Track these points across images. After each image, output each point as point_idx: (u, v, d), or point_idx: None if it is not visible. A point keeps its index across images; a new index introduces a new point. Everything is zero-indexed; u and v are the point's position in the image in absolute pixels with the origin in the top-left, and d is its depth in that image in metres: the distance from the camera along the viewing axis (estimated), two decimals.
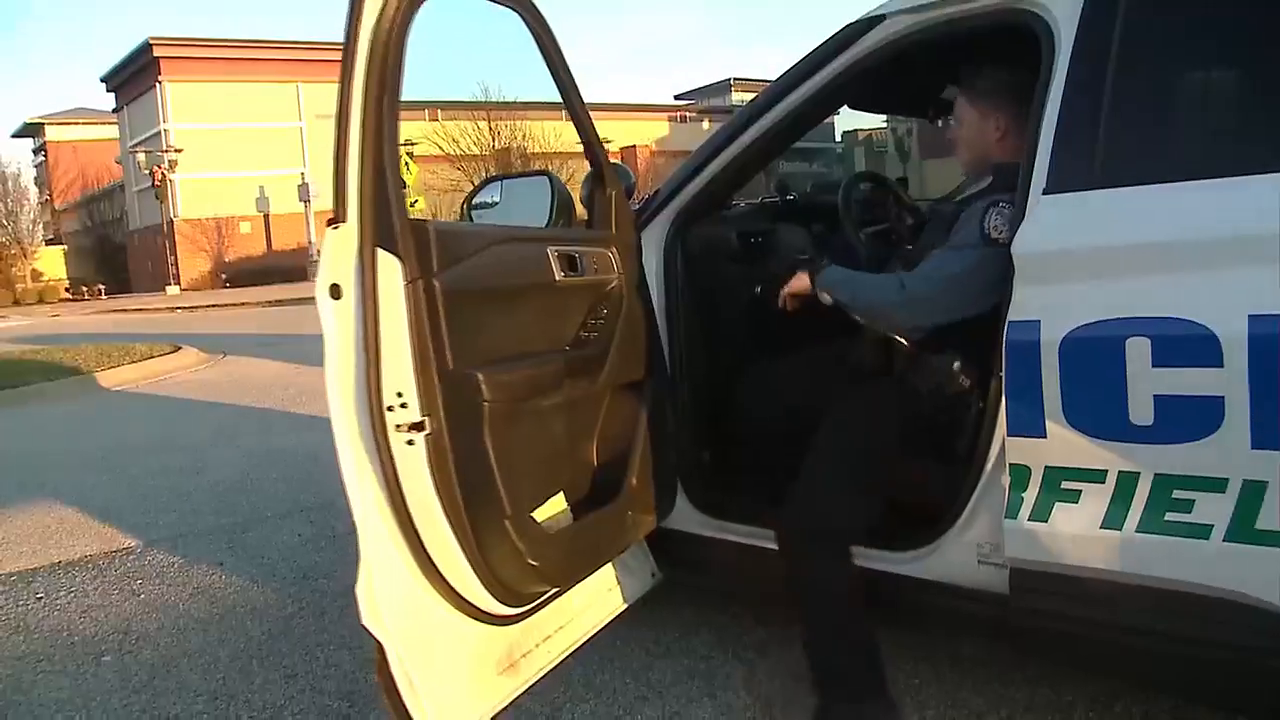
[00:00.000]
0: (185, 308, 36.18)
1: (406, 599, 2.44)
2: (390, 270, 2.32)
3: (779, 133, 3.24)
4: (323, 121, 59.97)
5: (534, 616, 2.77)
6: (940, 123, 4.31)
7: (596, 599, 3.15)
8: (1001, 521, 2.60)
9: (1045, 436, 2.48)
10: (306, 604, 4.33)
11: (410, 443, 2.33)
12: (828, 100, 3.21)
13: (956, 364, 2.79)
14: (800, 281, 3.03)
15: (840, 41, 3.01)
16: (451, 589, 2.48)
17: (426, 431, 2.33)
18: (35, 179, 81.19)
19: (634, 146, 62.19)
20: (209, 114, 59.57)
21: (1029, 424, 2.50)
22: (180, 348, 15.75)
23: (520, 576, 2.60)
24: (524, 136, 48.60)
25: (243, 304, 34.15)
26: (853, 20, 3.00)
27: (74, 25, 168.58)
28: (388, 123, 2.33)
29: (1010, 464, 2.57)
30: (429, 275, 2.39)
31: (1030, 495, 2.55)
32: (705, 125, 76.57)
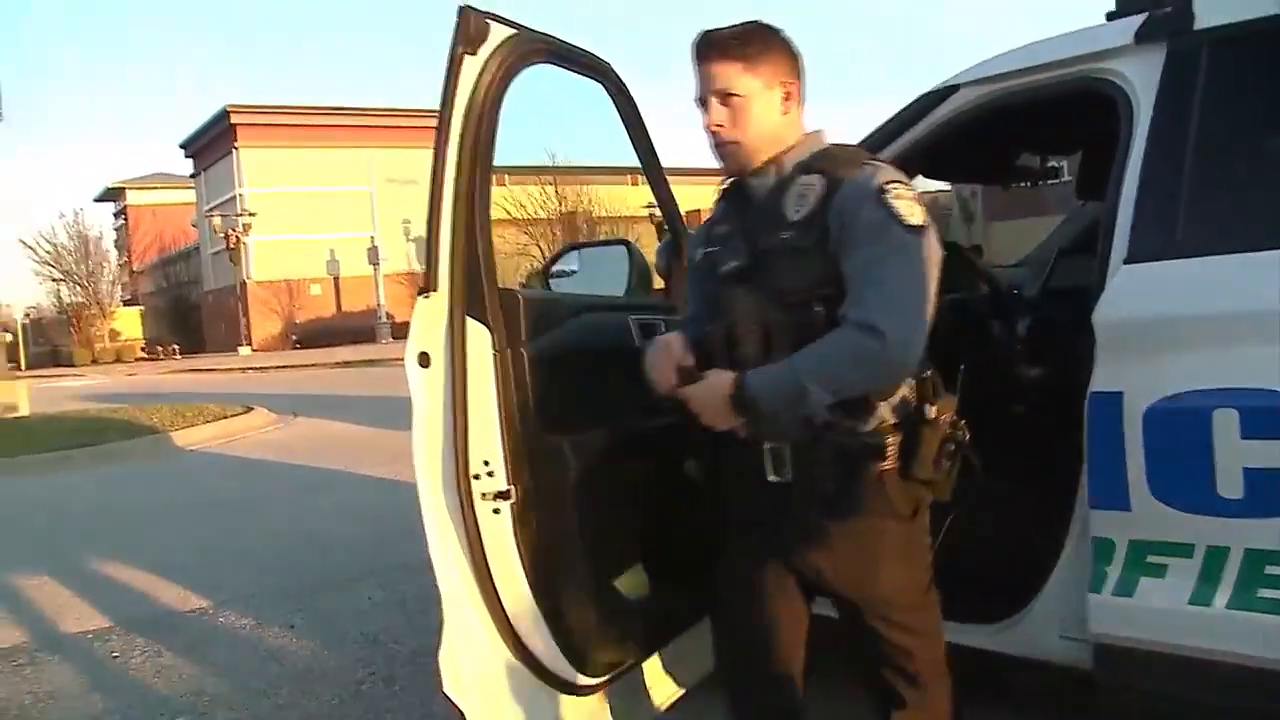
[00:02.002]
0: (256, 368, 36.74)
1: (488, 667, 2.43)
2: (480, 339, 2.35)
3: None
4: (393, 186, 61.23)
5: (612, 687, 2.75)
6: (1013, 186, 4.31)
7: (673, 670, 3.12)
8: (1085, 596, 2.54)
9: (1130, 510, 2.43)
10: (376, 669, 4.33)
11: (496, 511, 2.34)
12: (902, 170, 3.20)
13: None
14: (715, 393, 2.19)
15: (915, 112, 3.02)
16: (533, 657, 2.48)
17: (512, 500, 2.34)
18: (115, 241, 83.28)
19: (698, 210, 62.46)
20: (282, 178, 60.97)
21: (1112, 497, 2.45)
22: (252, 408, 15.99)
23: (600, 646, 2.59)
24: (589, 201, 49.02)
25: (313, 365, 34.61)
26: (926, 91, 3.01)
27: (156, 93, 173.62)
28: (480, 193, 2.37)
29: (1094, 537, 2.52)
30: (517, 344, 2.41)
31: (1115, 569, 2.50)
32: None
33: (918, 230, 2.07)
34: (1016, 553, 2.84)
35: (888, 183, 2.10)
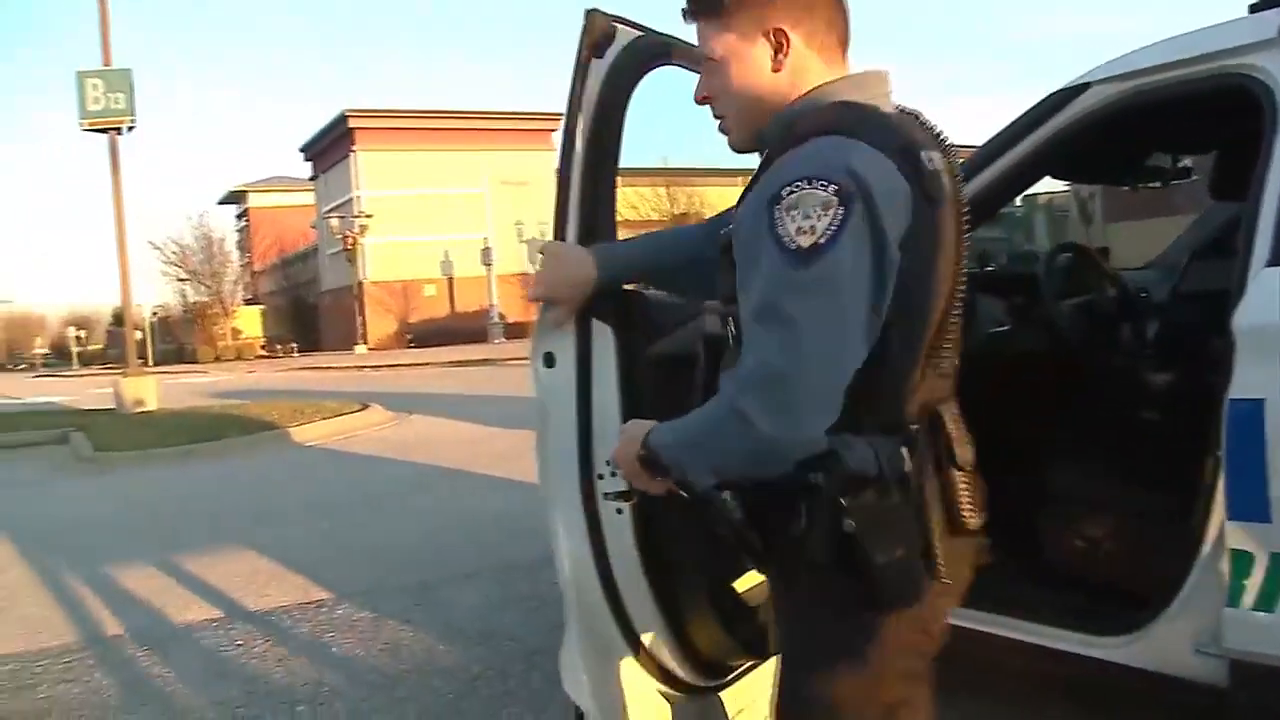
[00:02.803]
0: (372, 366, 37.45)
1: (608, 667, 2.44)
2: (604, 339, 2.35)
3: (978, 205, 3.19)
4: (505, 187, 61.90)
5: (730, 689, 2.74)
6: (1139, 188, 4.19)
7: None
8: (1221, 610, 2.46)
9: (1271, 522, 2.35)
10: (491, 665, 4.38)
11: (619, 511, 2.34)
12: (1029, 172, 3.14)
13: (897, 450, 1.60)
14: (628, 448, 1.76)
15: (1043, 111, 2.94)
16: (652, 658, 2.48)
17: (634, 500, 2.34)
18: (237, 242, 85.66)
19: None
20: (398, 181, 62.09)
21: (1253, 508, 2.37)
22: (368, 406, 16.31)
23: (719, 648, 2.58)
24: (701, 203, 48.99)
25: (426, 364, 35.14)
26: (1056, 89, 2.94)
27: (279, 99, 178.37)
28: (605, 195, 2.38)
29: (1231, 549, 2.44)
30: (640, 345, 2.41)
31: (1254, 583, 2.41)
32: None
33: (802, 256, 1.47)
34: (1147, 563, 2.76)
35: (798, 179, 1.50)
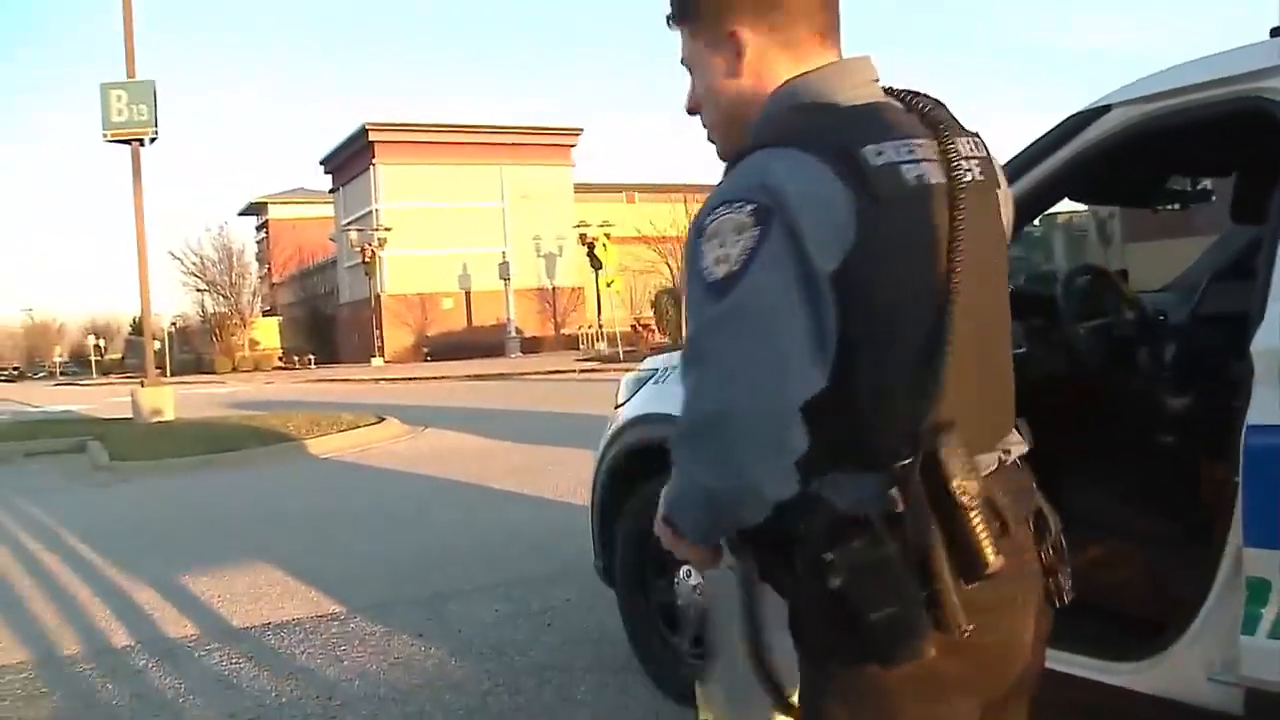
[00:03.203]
0: (389, 379, 37.57)
1: (741, 696, 2.42)
2: None
3: None
4: (524, 202, 62.15)
5: None
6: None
7: None
8: (1237, 638, 2.43)
9: None
10: (502, 681, 4.36)
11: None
12: (1049, 193, 3.13)
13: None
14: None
15: (1065, 132, 2.93)
16: (781, 693, 2.46)
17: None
18: (256, 254, 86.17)
19: None
20: (417, 194, 62.41)
21: (1270, 535, 2.34)
22: (384, 419, 16.35)
23: None
24: None
25: (443, 377, 35.23)
26: (1077, 111, 2.93)
27: (299, 112, 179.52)
28: None
29: (1248, 576, 2.41)
30: None
31: (1270, 611, 2.38)
32: None
33: (718, 287, 1.30)
34: (1162, 588, 2.73)
35: (719, 204, 1.35)
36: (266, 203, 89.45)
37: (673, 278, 45.19)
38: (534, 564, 6.26)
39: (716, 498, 1.34)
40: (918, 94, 1.51)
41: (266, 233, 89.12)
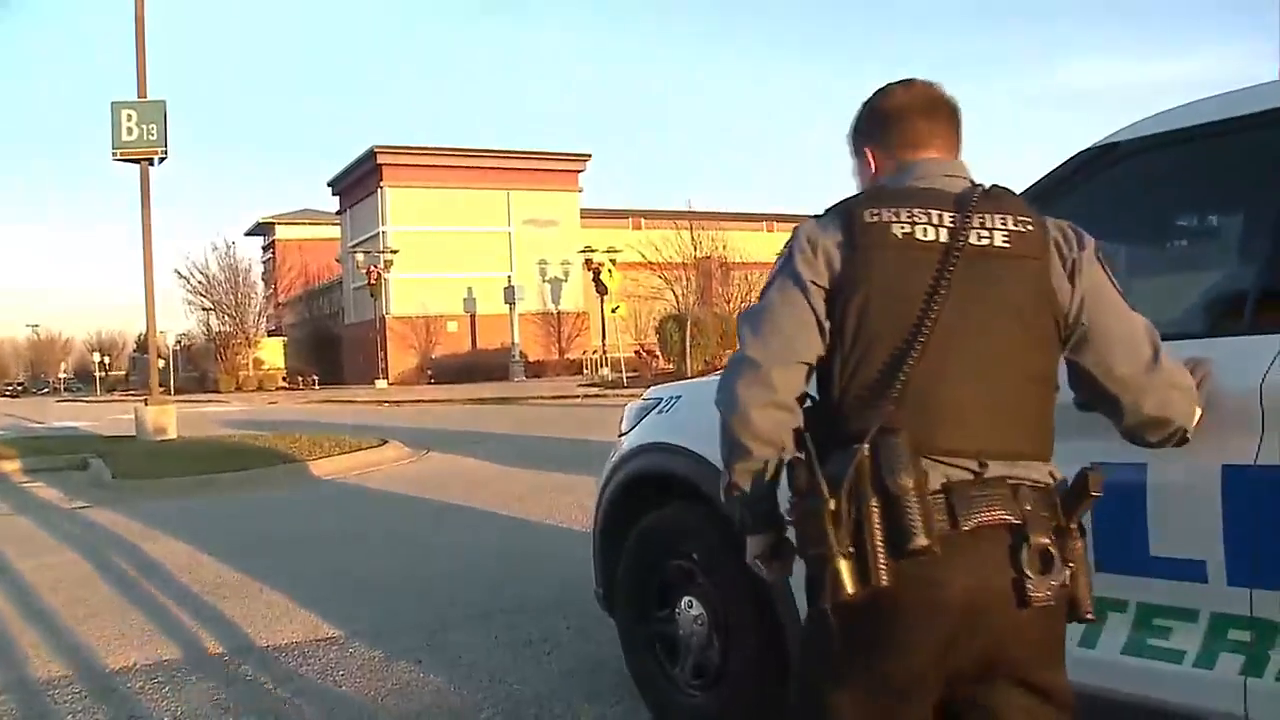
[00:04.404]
0: (392, 401, 37.58)
1: None
2: None
3: None
4: (530, 227, 62.33)
5: None
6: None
7: None
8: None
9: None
10: (502, 708, 4.33)
11: None
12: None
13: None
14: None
15: (1072, 169, 2.93)
16: None
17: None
18: (263, 274, 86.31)
19: None
20: (424, 217, 62.59)
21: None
22: (387, 441, 16.35)
23: None
24: (724, 246, 49.17)
25: (447, 400, 35.24)
26: (1084, 148, 2.93)
27: (307, 133, 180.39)
28: None
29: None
30: None
31: None
32: None
33: (760, 295, 2.04)
34: None
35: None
36: (274, 223, 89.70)
37: (677, 304, 45.23)
38: (535, 590, 6.24)
39: (724, 421, 1.95)
40: (983, 186, 2.00)
41: (273, 253, 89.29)
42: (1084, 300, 1.96)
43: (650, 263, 48.73)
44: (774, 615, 3.47)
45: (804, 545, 1.81)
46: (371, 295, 59.74)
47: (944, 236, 1.89)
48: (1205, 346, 2.51)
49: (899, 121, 2.10)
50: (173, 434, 19.07)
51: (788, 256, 1.97)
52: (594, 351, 52.00)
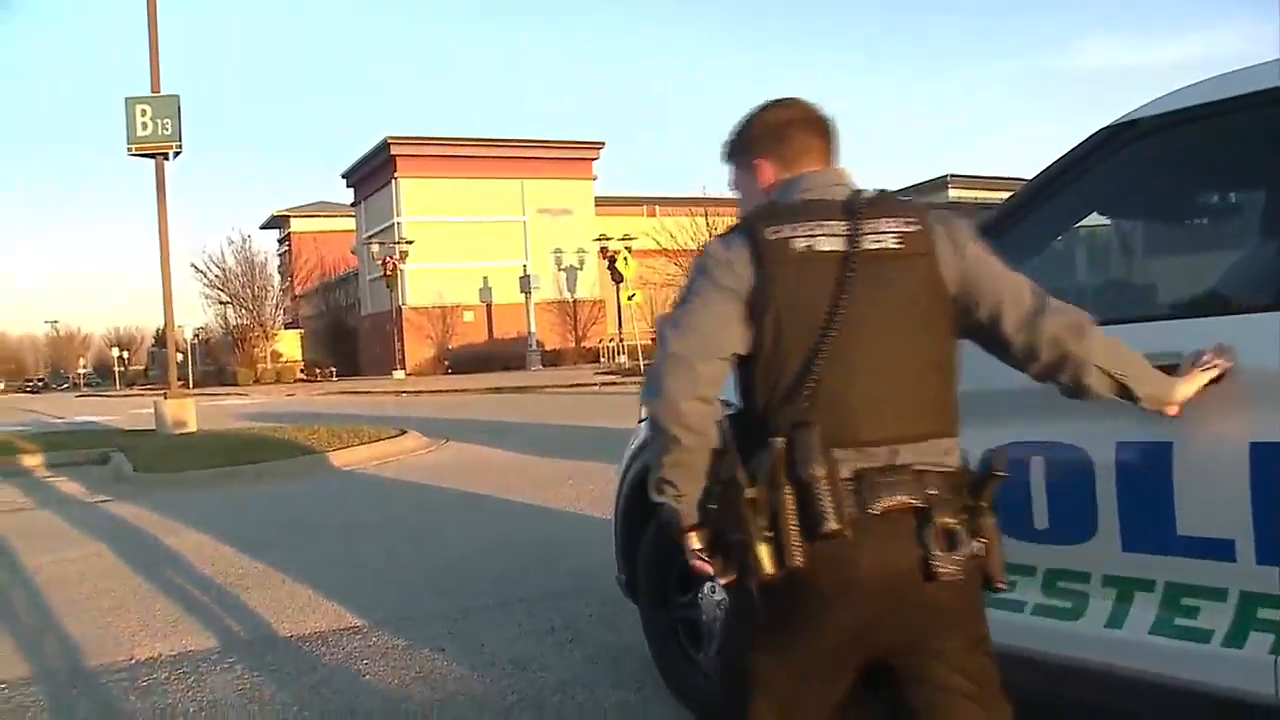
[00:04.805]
0: (410, 392, 37.66)
1: None
2: None
3: (1025, 240, 3.16)
4: (544, 216, 62.31)
5: None
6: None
7: None
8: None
9: None
10: (525, 696, 4.34)
11: None
12: (1077, 208, 3.11)
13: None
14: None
15: (1092, 146, 2.91)
16: None
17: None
18: (279, 266, 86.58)
19: None
20: (438, 208, 62.66)
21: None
22: (405, 432, 16.38)
23: None
24: None
25: (464, 390, 35.29)
26: (1105, 125, 2.90)
27: (321, 126, 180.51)
28: None
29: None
30: None
31: None
32: None
33: (677, 304, 2.14)
34: None
35: (695, 260, 2.20)
36: (289, 216, 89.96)
37: None
38: (556, 578, 6.25)
39: (654, 418, 2.05)
40: (866, 192, 2.15)
41: (289, 246, 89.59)
42: (969, 274, 2.12)
43: (666, 249, 48.70)
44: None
45: (727, 530, 1.98)
46: (387, 286, 59.85)
47: (840, 245, 2.03)
48: (1230, 324, 2.49)
49: (786, 136, 2.25)
50: (192, 427, 19.15)
51: (702, 270, 2.10)
52: (611, 339, 52.06)
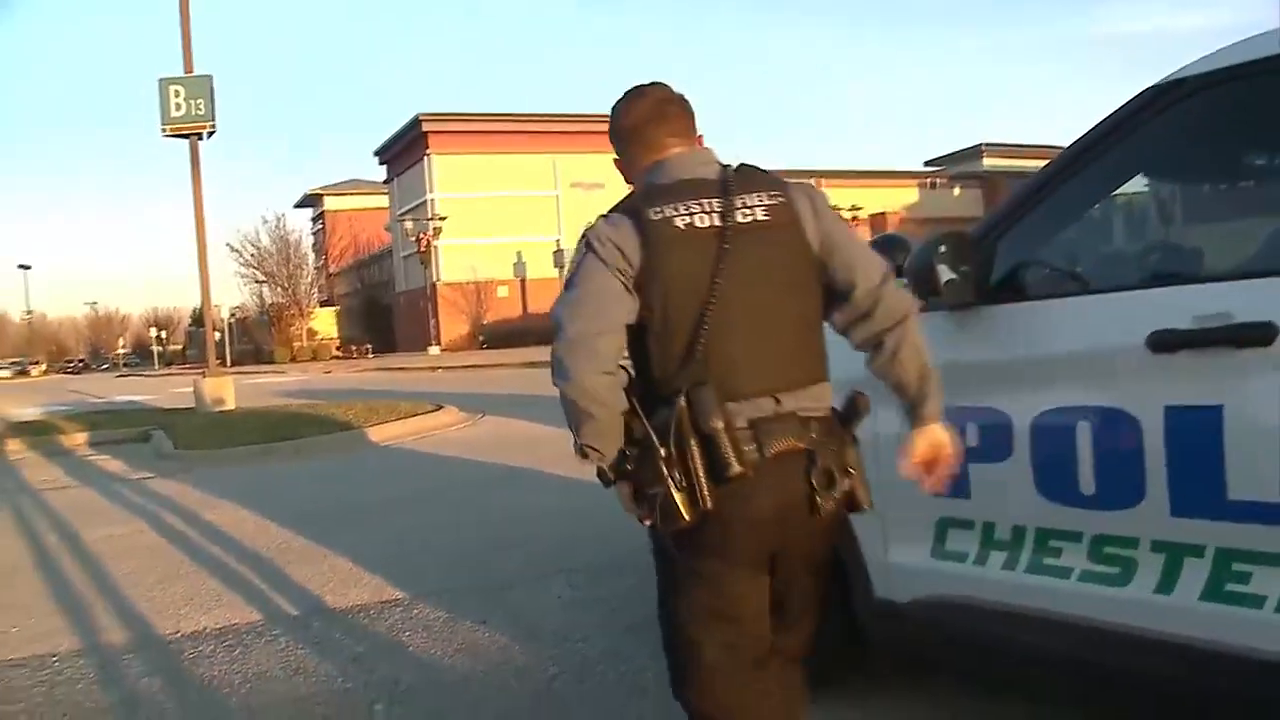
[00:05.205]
0: (445, 367, 37.79)
1: None
2: None
3: (1066, 208, 3.12)
4: (577, 190, 62.21)
5: None
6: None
7: None
8: None
9: None
10: (567, 667, 4.36)
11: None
12: (1122, 170, 3.06)
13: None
14: None
15: (1137, 107, 2.84)
16: None
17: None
18: (313, 245, 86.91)
19: (883, 213, 61.55)
20: (471, 183, 62.62)
21: None
22: (442, 406, 16.45)
23: None
24: None
25: (499, 365, 35.33)
26: (1151, 85, 2.84)
27: (354, 104, 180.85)
28: None
29: None
30: None
31: None
32: (956, 192, 75.14)
33: (567, 282, 2.34)
34: None
35: (580, 240, 2.37)
36: (322, 194, 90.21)
37: None
38: (596, 550, 6.26)
39: (564, 395, 2.24)
40: (731, 168, 2.40)
41: (322, 224, 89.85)
42: (827, 240, 2.36)
43: None
44: (840, 564, 3.46)
45: (646, 485, 2.22)
46: (421, 263, 60.00)
47: (716, 221, 2.26)
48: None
49: (639, 134, 2.48)
50: (231, 405, 19.30)
51: (588, 251, 2.29)
52: None
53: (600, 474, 2.35)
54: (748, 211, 2.29)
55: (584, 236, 2.34)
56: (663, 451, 2.19)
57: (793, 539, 2.37)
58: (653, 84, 2.54)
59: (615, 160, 2.59)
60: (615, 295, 2.24)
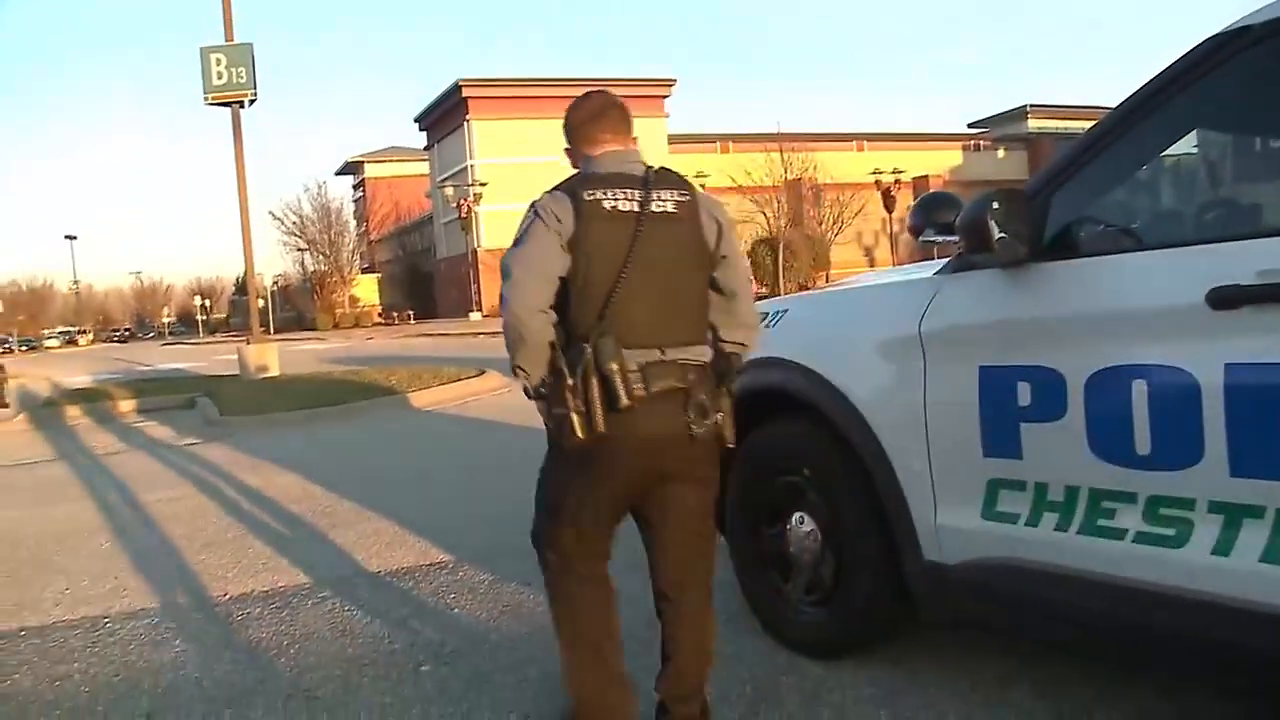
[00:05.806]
0: (487, 333, 37.85)
1: None
2: None
3: (1123, 163, 3.04)
4: None
5: None
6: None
7: None
8: None
9: None
10: None
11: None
12: (1180, 123, 2.98)
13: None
14: None
15: (1199, 58, 2.75)
16: None
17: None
18: (354, 212, 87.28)
19: (926, 176, 60.93)
20: (511, 149, 62.52)
21: None
22: (484, 371, 16.49)
23: None
24: (815, 167, 48.45)
25: None
26: (1213, 34, 2.75)
27: (394, 71, 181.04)
28: None
29: None
30: None
31: None
32: (1000, 154, 74.25)
33: (516, 241, 2.92)
34: None
35: (529, 208, 2.95)
36: (363, 161, 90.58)
37: (769, 227, 44.76)
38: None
39: (506, 325, 2.84)
40: (652, 168, 3.01)
41: (363, 191, 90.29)
42: (719, 242, 3.05)
43: (740, 187, 48.24)
44: (888, 527, 3.43)
45: (553, 405, 2.84)
46: (462, 229, 60.08)
47: (636, 207, 2.88)
48: None
49: (584, 129, 3.12)
50: (275, 371, 19.47)
51: (534, 218, 2.87)
52: None
53: (525, 391, 2.96)
54: (661, 203, 2.90)
55: (532, 206, 2.91)
56: (570, 382, 2.78)
57: (674, 459, 2.97)
58: (599, 92, 3.19)
59: (565, 149, 3.18)
60: (553, 251, 2.82)
